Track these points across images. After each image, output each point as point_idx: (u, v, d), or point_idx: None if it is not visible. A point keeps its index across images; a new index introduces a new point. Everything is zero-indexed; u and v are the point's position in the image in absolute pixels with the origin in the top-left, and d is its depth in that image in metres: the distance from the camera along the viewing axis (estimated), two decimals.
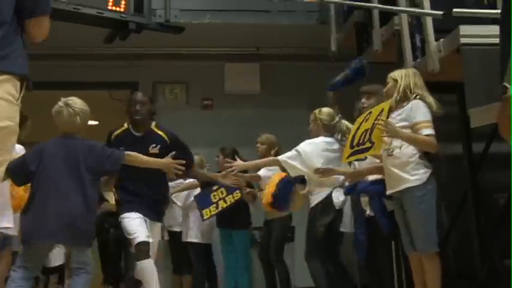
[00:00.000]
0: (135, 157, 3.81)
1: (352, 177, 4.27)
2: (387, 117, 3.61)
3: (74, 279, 3.59)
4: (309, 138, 4.64)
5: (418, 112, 3.62)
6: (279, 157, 4.64)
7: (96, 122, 7.29)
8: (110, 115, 5.63)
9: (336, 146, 4.55)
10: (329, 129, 4.64)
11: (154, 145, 4.25)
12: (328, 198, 4.47)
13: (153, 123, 4.40)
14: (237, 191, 5.40)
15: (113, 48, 6.56)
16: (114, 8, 5.84)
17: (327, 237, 4.43)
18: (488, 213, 4.70)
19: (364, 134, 3.78)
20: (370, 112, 3.84)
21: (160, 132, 4.35)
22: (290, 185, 4.93)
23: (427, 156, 3.64)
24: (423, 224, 3.56)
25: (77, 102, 3.66)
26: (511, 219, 3.69)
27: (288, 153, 4.54)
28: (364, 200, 4.20)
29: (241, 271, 5.75)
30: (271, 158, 5.01)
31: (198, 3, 6.60)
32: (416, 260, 3.67)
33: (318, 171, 4.34)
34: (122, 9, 5.86)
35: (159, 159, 4.00)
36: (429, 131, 3.58)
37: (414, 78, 3.75)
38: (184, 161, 4.00)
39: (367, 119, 3.84)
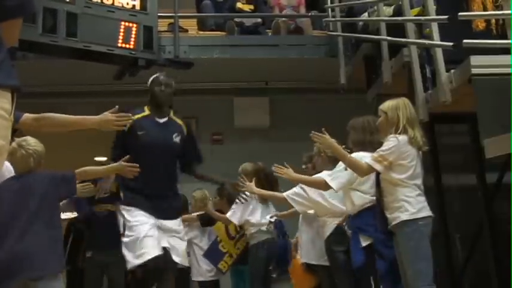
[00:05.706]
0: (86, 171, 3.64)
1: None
2: None
3: None
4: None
5: (384, 145, 3.51)
6: (285, 194, 4.53)
7: (105, 158, 7.27)
8: None
9: None
10: (334, 161, 4.55)
11: (176, 134, 4.15)
12: (339, 228, 4.39)
13: (171, 111, 4.27)
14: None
15: (122, 84, 6.60)
16: (124, 45, 5.90)
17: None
18: (505, 244, 4.60)
19: None
20: None
21: (179, 121, 4.25)
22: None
23: None
24: (413, 261, 3.39)
25: (30, 142, 3.50)
26: None
27: (295, 189, 4.47)
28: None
29: None
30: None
31: (207, 39, 6.65)
32: None
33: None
34: (131, 46, 5.92)
35: (111, 165, 3.82)
36: (371, 160, 3.48)
37: (404, 110, 3.56)
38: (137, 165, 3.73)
39: None
